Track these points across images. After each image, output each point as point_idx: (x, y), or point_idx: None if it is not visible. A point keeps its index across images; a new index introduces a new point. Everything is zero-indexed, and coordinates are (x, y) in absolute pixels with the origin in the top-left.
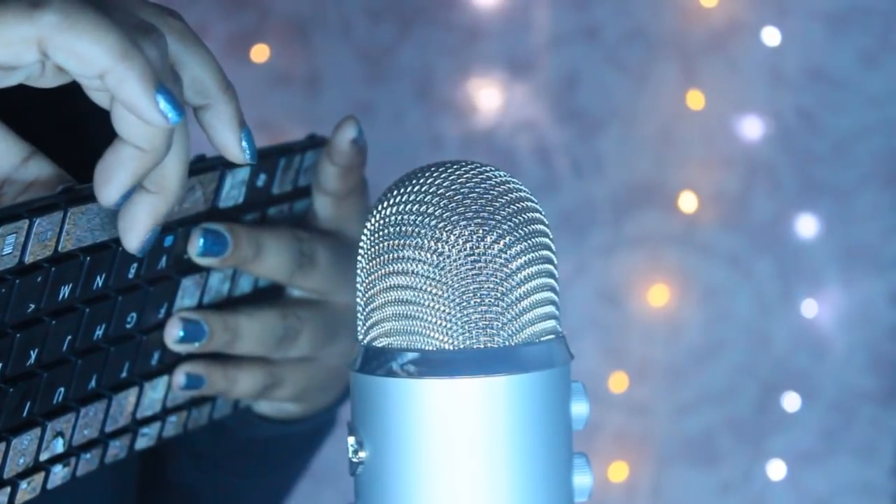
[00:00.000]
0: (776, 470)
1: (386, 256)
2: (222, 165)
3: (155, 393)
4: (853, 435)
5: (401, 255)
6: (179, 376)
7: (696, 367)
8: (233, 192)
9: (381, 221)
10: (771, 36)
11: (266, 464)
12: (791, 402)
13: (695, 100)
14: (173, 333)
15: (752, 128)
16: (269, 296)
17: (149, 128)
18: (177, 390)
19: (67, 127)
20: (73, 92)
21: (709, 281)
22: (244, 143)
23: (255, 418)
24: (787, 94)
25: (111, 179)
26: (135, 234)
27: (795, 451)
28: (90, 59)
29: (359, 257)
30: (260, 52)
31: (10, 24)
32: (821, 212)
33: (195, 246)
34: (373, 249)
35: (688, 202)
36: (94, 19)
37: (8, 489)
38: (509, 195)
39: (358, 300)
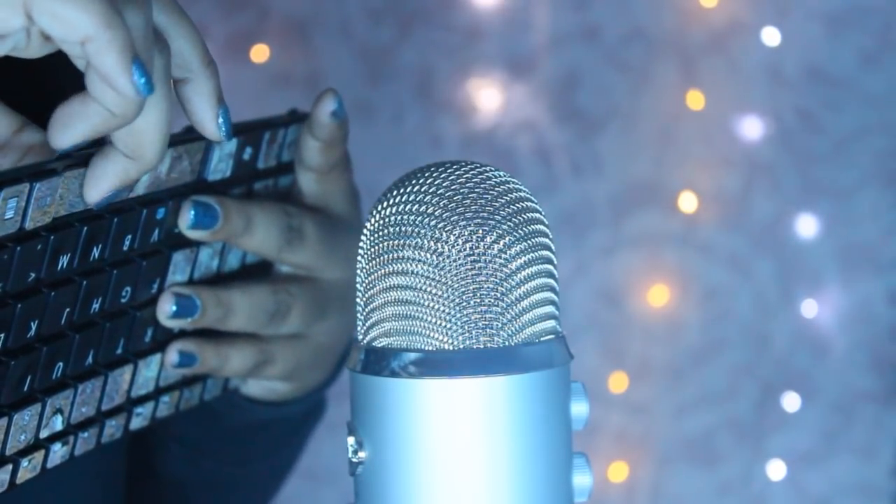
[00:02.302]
0: (776, 470)
1: (386, 256)
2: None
3: (149, 371)
4: (853, 435)
5: (400, 255)
6: (172, 354)
7: (696, 367)
8: (221, 164)
9: (381, 221)
10: (771, 36)
11: (256, 451)
12: (791, 402)
13: (695, 100)
14: (166, 308)
15: (752, 128)
16: (257, 273)
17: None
18: (169, 368)
19: (48, 102)
20: (53, 67)
21: (709, 281)
22: (220, 120)
23: (245, 401)
24: (787, 94)
25: (69, 127)
26: (98, 189)
27: (795, 451)
28: (74, 24)
29: (359, 257)
30: (260, 52)
31: None
32: (821, 212)
33: (186, 218)
34: (373, 249)
35: (688, 202)
36: None
37: (10, 467)
38: (509, 195)
39: (358, 300)
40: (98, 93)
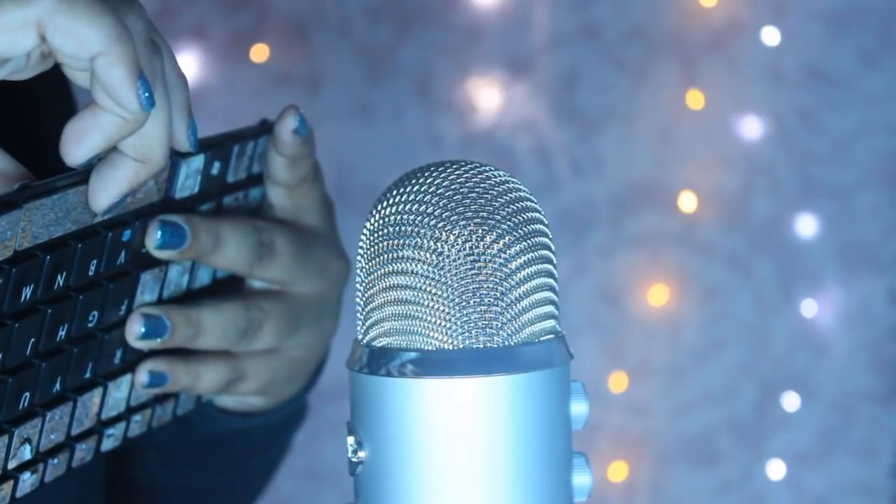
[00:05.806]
0: (776, 470)
1: (385, 256)
2: (174, 154)
3: (119, 392)
4: (853, 435)
5: (400, 254)
6: (142, 374)
7: (695, 367)
8: (188, 181)
9: (381, 221)
10: (770, 36)
11: (232, 458)
12: (791, 401)
13: (694, 99)
14: (134, 330)
15: (751, 128)
16: (228, 288)
17: None
18: (140, 389)
19: (17, 121)
20: (21, 86)
21: (708, 281)
22: (189, 131)
23: (217, 412)
24: (787, 94)
25: (84, 141)
26: (106, 195)
27: (795, 450)
28: (87, 40)
29: (358, 257)
30: (260, 52)
31: (8, 8)
32: (820, 212)
33: (153, 239)
34: (372, 249)
35: (687, 202)
36: (88, 0)
37: None
38: (509, 195)
39: (357, 300)
40: (108, 104)
